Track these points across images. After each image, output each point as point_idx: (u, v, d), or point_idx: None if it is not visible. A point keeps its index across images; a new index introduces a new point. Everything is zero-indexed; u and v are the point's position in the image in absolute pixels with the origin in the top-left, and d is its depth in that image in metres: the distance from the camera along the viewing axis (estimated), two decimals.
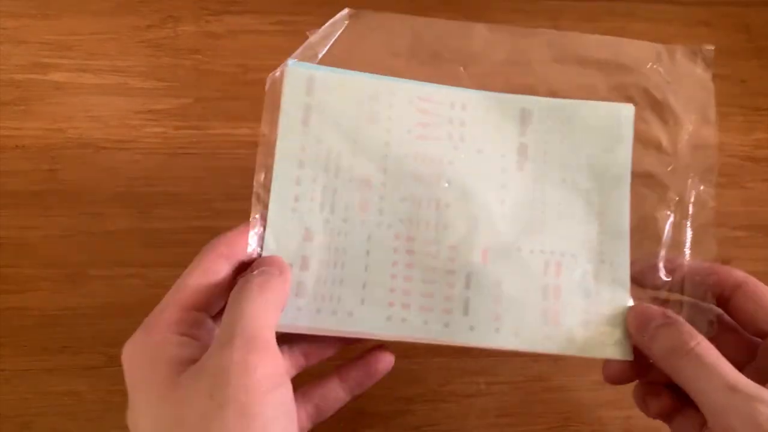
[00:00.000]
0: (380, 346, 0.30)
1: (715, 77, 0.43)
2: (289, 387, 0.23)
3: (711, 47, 0.31)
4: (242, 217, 0.37)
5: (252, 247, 0.27)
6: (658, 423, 0.37)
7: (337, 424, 0.36)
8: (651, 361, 0.27)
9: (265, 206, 0.28)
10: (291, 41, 0.40)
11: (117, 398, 0.35)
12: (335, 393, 0.28)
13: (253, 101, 0.39)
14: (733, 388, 0.23)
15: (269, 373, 0.22)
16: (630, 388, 0.38)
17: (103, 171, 0.37)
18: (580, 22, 0.44)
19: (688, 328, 0.26)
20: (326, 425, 0.36)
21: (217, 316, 0.25)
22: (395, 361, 0.37)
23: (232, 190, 0.38)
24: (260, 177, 0.28)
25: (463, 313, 0.28)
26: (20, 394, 0.35)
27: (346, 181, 0.29)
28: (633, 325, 0.28)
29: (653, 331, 0.27)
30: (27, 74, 0.38)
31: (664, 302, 0.29)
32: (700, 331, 0.26)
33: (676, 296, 0.29)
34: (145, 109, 0.38)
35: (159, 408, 0.21)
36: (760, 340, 0.27)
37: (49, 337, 0.35)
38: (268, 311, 0.24)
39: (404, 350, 0.37)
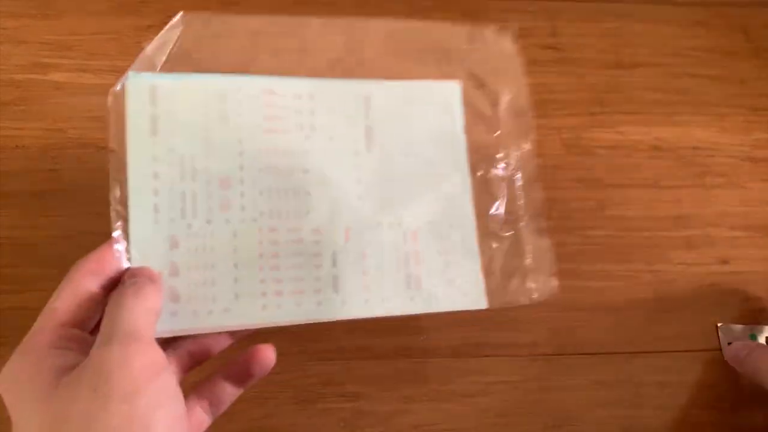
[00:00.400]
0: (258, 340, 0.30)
1: (714, 78, 0.44)
2: (171, 374, 0.24)
3: (515, 24, 0.35)
4: None
5: (120, 261, 0.27)
6: (658, 423, 0.37)
7: (337, 424, 0.36)
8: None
9: (126, 221, 0.28)
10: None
11: None
12: (223, 388, 0.29)
13: None
14: None
15: (148, 362, 0.23)
16: (629, 388, 0.38)
17: (104, 171, 0.37)
18: (578, 22, 0.44)
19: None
20: (326, 425, 0.36)
21: (93, 331, 0.26)
22: (395, 361, 0.37)
23: None
24: (116, 193, 0.28)
25: (334, 290, 0.30)
26: None
27: (204, 183, 0.29)
28: (730, 359, 0.38)
29: (743, 362, 0.37)
30: (27, 74, 0.38)
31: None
32: None
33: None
34: None
35: (43, 412, 0.22)
36: None
37: None
38: (143, 314, 0.24)
39: (404, 350, 0.37)
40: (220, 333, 0.29)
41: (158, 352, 0.24)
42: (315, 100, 0.32)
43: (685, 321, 0.40)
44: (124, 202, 0.28)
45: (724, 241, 0.41)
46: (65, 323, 0.25)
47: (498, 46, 0.35)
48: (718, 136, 0.43)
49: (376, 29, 0.34)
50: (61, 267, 0.36)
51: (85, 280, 0.26)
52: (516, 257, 0.34)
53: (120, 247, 0.28)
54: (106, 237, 0.37)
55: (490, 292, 0.33)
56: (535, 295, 0.33)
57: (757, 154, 0.43)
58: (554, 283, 0.33)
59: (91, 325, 0.26)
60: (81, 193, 0.37)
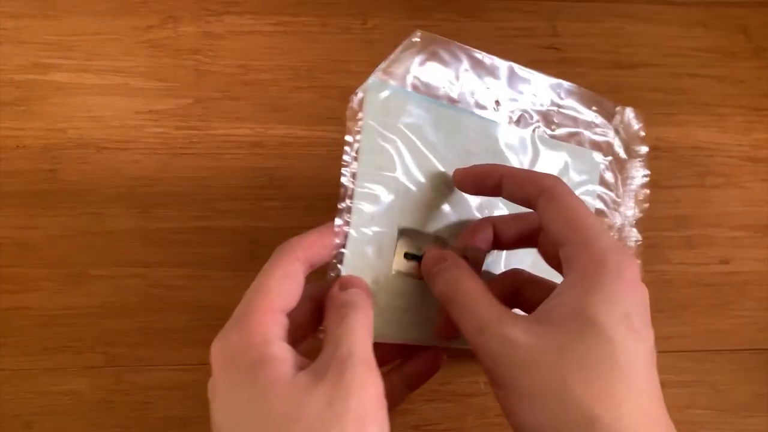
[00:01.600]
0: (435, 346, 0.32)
1: (714, 78, 0.44)
2: (386, 409, 0.24)
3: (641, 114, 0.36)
4: (243, 217, 0.37)
5: (331, 253, 0.28)
6: None
7: None
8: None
9: (346, 223, 0.29)
10: (291, 41, 0.41)
11: (117, 398, 0.35)
12: (401, 390, 0.32)
13: (254, 101, 0.40)
14: (481, 331, 0.25)
15: (378, 394, 0.23)
16: None
17: (104, 171, 0.37)
18: (578, 23, 0.44)
19: (456, 272, 0.28)
20: None
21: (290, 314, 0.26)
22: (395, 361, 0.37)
23: (232, 190, 0.38)
24: (344, 189, 0.29)
25: None
26: (21, 393, 0.35)
27: (409, 199, 0.30)
28: (423, 273, 0.30)
29: (432, 278, 0.29)
30: (27, 74, 0.38)
31: None
32: None
33: None
34: (146, 109, 0.38)
35: (269, 403, 0.22)
36: None
37: (49, 337, 0.35)
38: (369, 339, 0.25)
39: (404, 350, 0.37)
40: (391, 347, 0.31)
41: (382, 386, 0.24)
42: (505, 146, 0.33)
43: (685, 321, 0.40)
44: (348, 207, 0.29)
45: (724, 241, 0.41)
46: (276, 309, 0.25)
47: (632, 129, 0.36)
48: (718, 136, 0.43)
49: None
50: (61, 267, 0.37)
51: (296, 264, 0.27)
52: None
53: (338, 239, 0.28)
54: (106, 237, 0.37)
55: None
56: None
57: (757, 154, 0.43)
58: None
59: (292, 306, 0.26)
60: (81, 193, 0.37)
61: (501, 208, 0.33)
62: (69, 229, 0.37)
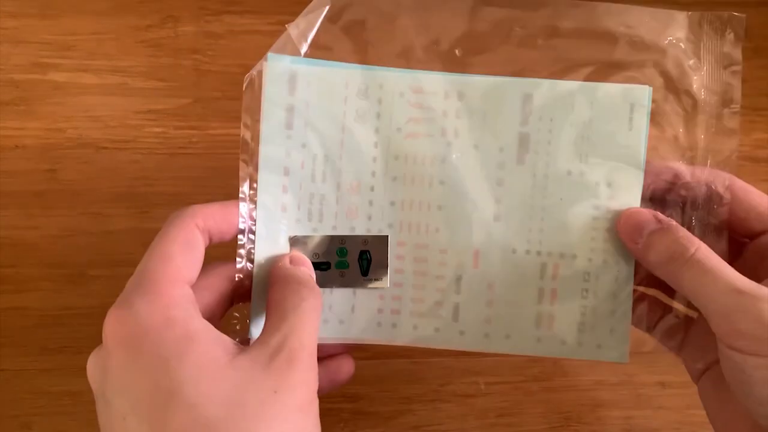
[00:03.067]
0: (343, 352, 0.30)
1: None
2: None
3: (742, 15, 0.28)
4: None
5: (235, 229, 0.27)
6: (659, 423, 0.37)
7: (337, 424, 0.36)
8: (647, 267, 0.27)
9: (250, 217, 0.27)
10: None
11: None
12: None
13: None
14: (739, 291, 0.23)
15: (314, 391, 0.23)
16: (629, 388, 0.38)
17: (103, 171, 0.37)
18: (577, 21, 0.44)
19: (684, 232, 0.25)
20: (326, 426, 0.36)
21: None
22: (395, 361, 0.37)
23: (232, 190, 0.37)
24: (245, 187, 0.27)
25: (453, 319, 0.28)
26: (20, 394, 0.35)
27: (334, 187, 0.28)
28: (624, 233, 0.27)
29: (648, 239, 0.26)
30: (27, 74, 0.38)
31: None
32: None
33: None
34: (145, 109, 0.38)
35: (202, 387, 0.21)
36: (747, 240, 0.27)
37: (48, 337, 0.35)
38: (318, 325, 0.24)
39: (404, 350, 0.37)
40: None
41: (317, 384, 0.24)
42: (463, 100, 0.28)
43: None
44: (253, 198, 0.27)
45: None
46: (183, 279, 0.23)
47: (712, 43, 0.28)
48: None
49: (547, 13, 0.28)
50: (60, 267, 0.37)
51: (196, 231, 0.25)
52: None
53: (242, 219, 0.26)
54: (105, 237, 0.37)
55: (632, 343, 0.28)
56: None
57: (757, 154, 0.43)
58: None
59: (193, 282, 0.24)
60: (81, 193, 0.37)
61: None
62: (68, 229, 0.37)
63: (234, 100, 0.39)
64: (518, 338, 0.28)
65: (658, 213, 0.26)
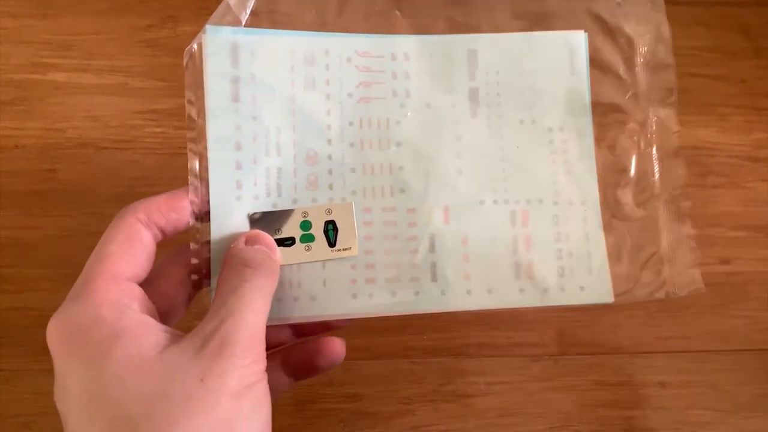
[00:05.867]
0: (329, 330, 0.28)
1: (714, 77, 0.44)
2: (268, 389, 0.22)
3: None
4: None
5: (186, 219, 0.25)
6: (659, 423, 0.37)
7: (337, 425, 0.36)
8: None
9: (204, 199, 0.26)
10: None
11: None
12: (278, 378, 0.27)
13: None
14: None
15: (258, 371, 0.22)
16: (629, 388, 0.38)
17: (103, 171, 0.37)
18: None
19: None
20: (326, 426, 0.36)
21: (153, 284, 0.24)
22: (395, 361, 0.37)
23: None
24: (194, 165, 0.26)
25: (432, 279, 0.27)
26: (20, 394, 0.35)
27: (290, 159, 0.27)
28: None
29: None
30: (27, 74, 0.38)
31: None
32: None
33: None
34: (145, 108, 0.38)
35: (126, 383, 0.20)
36: None
37: None
38: (266, 303, 0.23)
39: (404, 350, 0.37)
40: (281, 326, 0.27)
41: (264, 363, 0.22)
42: (410, 60, 0.28)
43: (686, 321, 0.40)
44: (203, 176, 0.26)
45: (724, 241, 0.41)
46: (121, 276, 0.23)
47: None
48: (719, 136, 0.43)
49: None
50: (61, 267, 0.36)
51: (137, 225, 0.24)
52: (649, 244, 0.29)
53: (195, 202, 0.25)
54: None
55: (616, 285, 0.28)
56: (673, 289, 0.28)
57: (758, 153, 0.43)
58: (697, 276, 0.29)
59: (142, 277, 0.24)
60: (81, 193, 0.37)
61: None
62: (68, 229, 0.37)
63: None
64: (500, 291, 0.28)
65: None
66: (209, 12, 0.40)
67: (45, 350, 0.35)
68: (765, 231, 0.42)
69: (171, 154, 0.38)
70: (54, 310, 0.35)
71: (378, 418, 0.36)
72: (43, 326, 0.35)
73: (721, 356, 0.39)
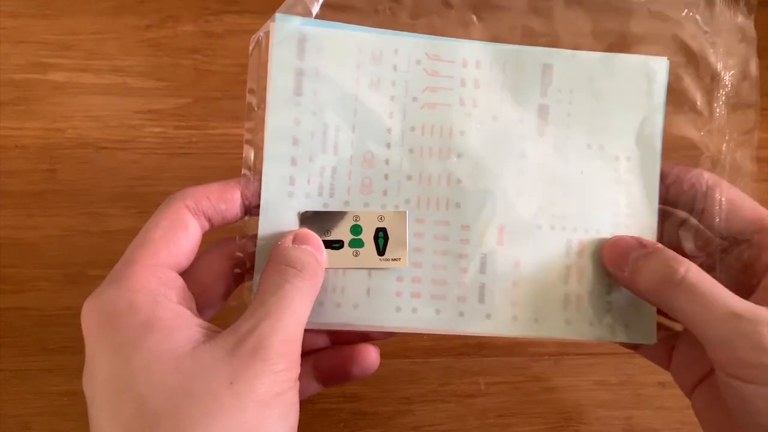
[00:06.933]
0: (367, 341, 0.28)
1: None
2: (297, 398, 0.22)
3: None
4: None
5: (236, 212, 0.25)
6: (659, 423, 0.37)
7: (337, 425, 0.36)
8: (637, 295, 0.26)
9: (255, 192, 0.25)
10: None
11: None
12: (308, 383, 0.27)
13: None
14: (737, 315, 0.21)
15: (290, 379, 0.21)
16: (629, 388, 0.38)
17: (103, 171, 0.37)
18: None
19: (671, 253, 0.24)
20: (326, 426, 0.36)
21: (184, 274, 0.24)
22: (395, 361, 0.37)
23: None
24: (249, 157, 0.25)
25: (479, 300, 0.26)
26: (20, 394, 0.35)
27: (346, 159, 0.26)
28: (609, 262, 0.26)
29: (634, 265, 0.25)
30: (26, 74, 0.38)
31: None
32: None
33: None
34: (145, 109, 0.38)
35: (154, 377, 0.20)
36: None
37: (49, 337, 0.35)
38: (307, 308, 0.22)
39: (404, 350, 0.37)
40: (319, 332, 0.27)
41: (298, 369, 0.22)
42: (481, 68, 0.27)
43: None
44: (257, 168, 0.25)
45: None
46: (162, 263, 0.22)
47: (726, 15, 0.27)
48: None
49: None
50: (59, 267, 0.36)
51: (184, 212, 0.23)
52: None
53: (246, 196, 0.25)
54: (104, 237, 0.37)
55: (659, 324, 0.27)
56: None
57: (758, 153, 0.43)
58: None
59: (184, 266, 0.23)
60: (80, 193, 0.37)
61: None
62: (67, 229, 0.37)
63: (234, 99, 0.39)
64: (547, 321, 0.26)
65: (642, 237, 0.26)
66: (209, 12, 0.41)
67: (45, 350, 0.35)
68: None
69: (171, 154, 0.38)
70: (54, 310, 0.36)
71: (378, 418, 0.36)
72: (44, 326, 0.36)
73: None
